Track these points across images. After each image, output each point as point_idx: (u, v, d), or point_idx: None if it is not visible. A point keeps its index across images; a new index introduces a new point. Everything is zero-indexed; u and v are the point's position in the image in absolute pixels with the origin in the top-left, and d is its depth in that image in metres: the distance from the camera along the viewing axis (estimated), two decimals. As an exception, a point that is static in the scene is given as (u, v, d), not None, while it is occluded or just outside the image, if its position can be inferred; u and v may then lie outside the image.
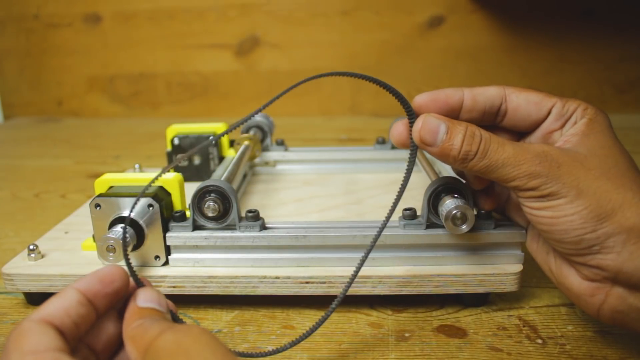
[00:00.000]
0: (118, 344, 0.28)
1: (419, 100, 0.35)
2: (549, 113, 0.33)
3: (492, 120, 0.34)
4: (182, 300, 0.40)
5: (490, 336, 0.36)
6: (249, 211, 0.39)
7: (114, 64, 1.25)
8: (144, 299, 0.27)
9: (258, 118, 0.62)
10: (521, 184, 0.30)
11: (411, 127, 0.33)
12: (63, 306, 0.25)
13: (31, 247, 0.41)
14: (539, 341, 0.35)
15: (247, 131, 0.60)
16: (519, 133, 0.35)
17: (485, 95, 0.33)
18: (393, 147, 0.59)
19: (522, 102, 0.33)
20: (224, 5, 1.18)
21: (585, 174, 0.29)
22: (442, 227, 0.37)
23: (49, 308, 0.25)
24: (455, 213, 0.35)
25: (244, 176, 0.58)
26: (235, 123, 0.32)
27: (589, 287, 0.30)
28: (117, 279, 0.27)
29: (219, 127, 0.58)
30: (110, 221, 0.38)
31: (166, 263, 0.39)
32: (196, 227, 0.39)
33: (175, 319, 0.28)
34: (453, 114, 0.33)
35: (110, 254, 0.36)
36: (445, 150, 0.31)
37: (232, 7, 1.18)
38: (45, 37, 1.25)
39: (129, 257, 0.29)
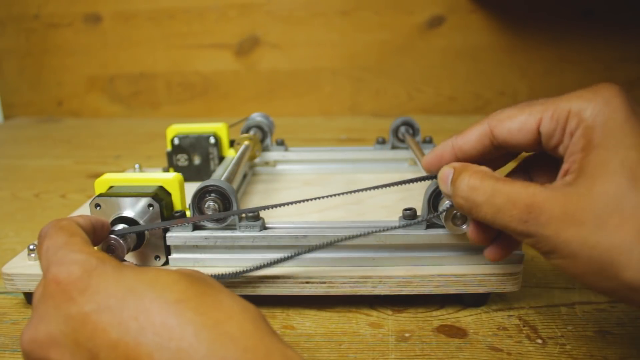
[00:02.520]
0: None
1: (427, 162, 0.35)
2: (539, 133, 0.29)
3: (499, 154, 0.32)
4: (182, 300, 0.40)
5: (490, 336, 0.36)
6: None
7: (114, 64, 1.25)
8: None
9: (258, 118, 0.62)
10: (521, 239, 0.28)
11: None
12: (81, 219, 0.32)
13: (31, 247, 0.41)
14: (539, 341, 0.35)
15: (247, 131, 0.60)
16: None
17: (471, 143, 0.32)
18: (393, 147, 0.59)
19: (506, 135, 0.30)
20: (224, 5, 1.18)
21: (576, 231, 0.25)
22: (442, 227, 0.37)
23: (70, 217, 0.31)
24: (456, 213, 0.35)
25: (244, 176, 0.58)
26: None
27: None
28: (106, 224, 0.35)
29: (219, 127, 0.58)
30: (110, 221, 0.38)
31: (166, 263, 0.39)
32: (196, 227, 0.39)
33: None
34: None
35: (110, 255, 0.36)
36: (456, 206, 0.31)
37: (232, 7, 1.18)
38: (45, 37, 1.25)
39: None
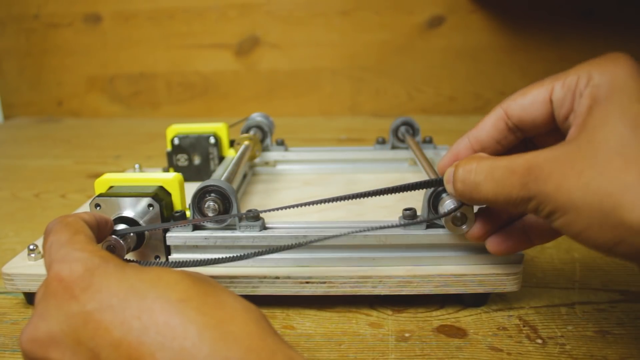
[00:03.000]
0: None
1: (441, 165, 0.35)
2: (551, 103, 0.29)
3: (516, 140, 0.32)
4: (182, 300, 0.40)
5: (490, 336, 0.36)
6: (249, 211, 0.39)
7: (114, 64, 1.25)
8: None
9: (258, 118, 0.62)
10: (523, 208, 0.27)
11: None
12: (87, 215, 0.32)
13: (31, 247, 0.41)
14: (539, 341, 0.35)
15: (247, 131, 0.60)
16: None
17: (486, 129, 0.32)
18: (393, 147, 0.59)
19: (520, 111, 0.30)
20: (224, 5, 1.18)
21: (577, 182, 0.24)
22: (442, 227, 0.37)
23: (76, 214, 0.31)
24: (455, 213, 0.35)
25: (244, 176, 0.58)
26: None
27: None
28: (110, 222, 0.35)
29: (219, 127, 0.58)
30: (110, 221, 0.38)
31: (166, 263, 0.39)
32: (196, 227, 0.39)
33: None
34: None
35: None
36: (457, 193, 0.31)
37: (232, 7, 1.18)
38: (45, 37, 1.25)
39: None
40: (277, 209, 0.35)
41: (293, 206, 0.35)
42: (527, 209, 0.27)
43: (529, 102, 0.30)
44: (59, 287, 0.24)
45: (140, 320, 0.22)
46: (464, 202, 0.33)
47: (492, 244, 0.34)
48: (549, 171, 0.26)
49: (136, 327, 0.22)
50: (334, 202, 0.34)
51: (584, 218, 0.24)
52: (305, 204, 0.35)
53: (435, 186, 0.35)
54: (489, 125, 0.32)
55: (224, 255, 0.34)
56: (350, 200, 0.34)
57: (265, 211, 0.37)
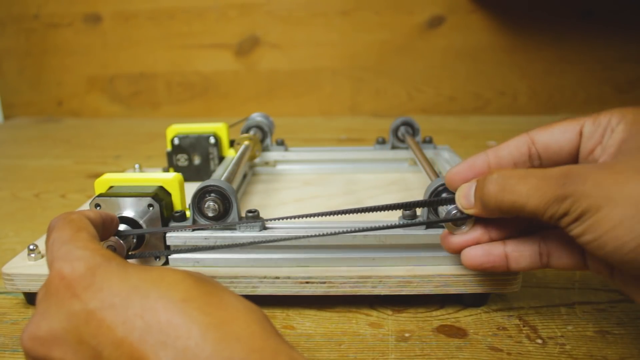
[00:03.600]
0: None
1: (450, 176, 0.34)
2: (580, 135, 0.31)
3: (531, 167, 0.33)
4: (182, 300, 0.40)
5: (490, 336, 0.36)
6: (249, 211, 0.39)
7: (114, 64, 1.25)
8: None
9: (258, 118, 0.62)
10: (553, 212, 0.27)
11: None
12: (91, 213, 0.32)
13: (31, 247, 0.41)
14: (539, 341, 0.35)
15: (247, 131, 0.60)
16: None
17: (509, 148, 0.32)
18: (393, 147, 0.59)
19: (548, 138, 0.31)
20: (224, 5, 1.18)
21: (615, 179, 0.26)
22: (442, 227, 0.37)
23: (81, 211, 0.31)
24: (455, 213, 0.35)
25: (244, 176, 0.58)
26: None
27: None
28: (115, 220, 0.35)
29: (219, 127, 0.58)
30: (110, 221, 0.38)
31: (166, 263, 0.39)
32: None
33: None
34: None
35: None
36: (483, 203, 0.31)
37: (232, 7, 1.18)
38: (45, 37, 1.25)
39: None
40: (281, 219, 0.35)
41: (297, 217, 0.35)
42: (558, 212, 0.27)
43: (559, 131, 0.31)
44: (60, 285, 0.24)
45: (143, 319, 0.22)
46: (468, 215, 0.33)
47: (468, 256, 0.34)
48: (586, 174, 0.27)
49: (139, 326, 0.22)
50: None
51: (617, 212, 0.25)
52: (311, 215, 0.35)
53: (444, 204, 0.34)
54: (512, 146, 0.33)
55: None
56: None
57: (270, 220, 0.36)
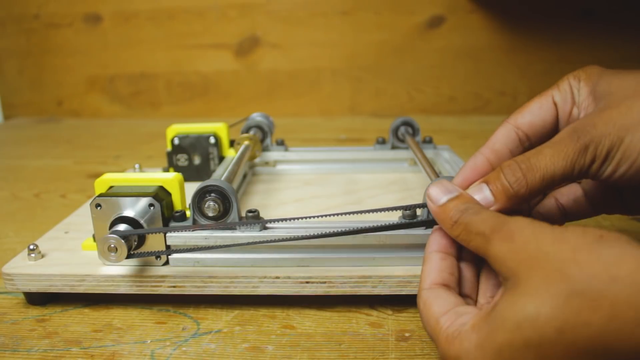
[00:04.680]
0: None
1: (463, 179, 0.34)
2: (555, 104, 0.32)
3: (524, 151, 0.33)
4: (182, 300, 0.40)
5: (490, 336, 0.36)
6: (249, 211, 0.39)
7: (114, 64, 1.25)
8: (437, 194, 0.31)
9: (258, 118, 0.62)
10: (581, 164, 0.28)
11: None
12: (437, 267, 0.30)
13: (31, 247, 0.41)
14: (539, 341, 0.35)
15: (247, 131, 0.60)
16: None
17: (499, 140, 0.33)
18: (393, 147, 0.59)
19: (530, 118, 0.33)
20: (224, 5, 1.18)
21: (618, 111, 0.28)
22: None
23: (429, 276, 0.30)
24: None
25: (244, 176, 0.58)
26: None
27: None
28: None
29: (219, 127, 0.58)
30: (111, 221, 0.38)
31: (166, 263, 0.40)
32: (196, 227, 0.39)
33: None
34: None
35: (112, 254, 0.36)
36: (512, 193, 0.31)
37: (232, 7, 1.18)
38: (46, 37, 1.25)
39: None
40: (283, 220, 0.35)
41: (298, 218, 0.35)
42: (585, 162, 0.28)
43: (536, 108, 0.33)
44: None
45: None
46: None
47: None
48: (591, 121, 0.28)
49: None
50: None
51: (636, 137, 0.27)
52: (311, 217, 0.35)
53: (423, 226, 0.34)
54: (502, 136, 0.33)
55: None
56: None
57: (270, 221, 0.36)
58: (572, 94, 0.32)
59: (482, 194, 0.31)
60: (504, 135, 0.33)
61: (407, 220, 0.38)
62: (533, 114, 0.33)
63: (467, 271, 0.31)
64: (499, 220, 0.27)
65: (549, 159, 0.29)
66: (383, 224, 0.35)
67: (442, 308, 0.28)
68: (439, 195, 0.31)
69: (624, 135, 0.27)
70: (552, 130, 0.33)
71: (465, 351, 0.25)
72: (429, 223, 0.36)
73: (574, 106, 0.32)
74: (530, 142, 0.33)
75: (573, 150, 0.28)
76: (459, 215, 0.29)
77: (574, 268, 0.22)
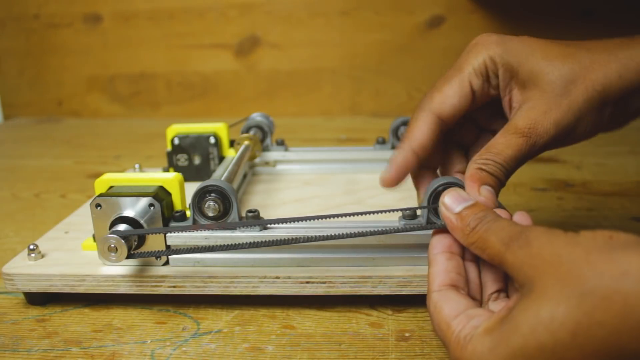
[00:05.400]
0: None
1: (389, 178, 0.36)
2: (472, 88, 0.34)
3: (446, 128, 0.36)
4: (182, 300, 0.40)
5: (490, 336, 0.36)
6: (249, 211, 0.39)
7: (114, 64, 1.25)
8: (452, 202, 0.30)
9: (258, 118, 0.62)
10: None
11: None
12: (444, 269, 0.30)
13: (31, 247, 0.41)
14: (539, 341, 0.35)
15: (247, 131, 0.60)
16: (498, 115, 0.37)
17: (424, 137, 0.34)
18: (393, 147, 0.59)
19: (450, 107, 0.34)
20: (224, 5, 1.18)
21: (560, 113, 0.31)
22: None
23: (438, 278, 0.30)
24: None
25: (244, 176, 0.58)
26: None
27: None
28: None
29: (219, 127, 0.58)
30: (111, 221, 0.38)
31: (167, 263, 0.40)
32: (196, 227, 0.39)
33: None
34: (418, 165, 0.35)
35: (112, 254, 0.36)
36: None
37: (232, 7, 1.18)
38: (45, 37, 1.25)
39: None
40: (283, 221, 0.35)
41: (298, 219, 0.35)
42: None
43: (457, 95, 0.35)
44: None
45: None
46: None
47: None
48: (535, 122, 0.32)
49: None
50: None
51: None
52: (311, 218, 0.35)
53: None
54: (427, 129, 0.34)
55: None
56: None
57: (270, 221, 0.36)
58: (488, 77, 0.34)
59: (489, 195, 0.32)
60: (428, 128, 0.34)
61: (407, 221, 0.38)
62: (453, 102, 0.34)
63: (471, 272, 0.31)
64: (517, 228, 0.27)
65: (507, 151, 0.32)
66: (383, 226, 0.35)
67: (453, 311, 0.28)
68: (455, 203, 0.30)
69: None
70: (466, 111, 0.35)
71: (479, 355, 0.24)
72: (430, 227, 0.36)
73: (490, 88, 0.35)
74: (447, 126, 0.35)
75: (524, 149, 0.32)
76: (476, 223, 0.29)
77: (586, 269, 0.22)
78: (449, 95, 0.34)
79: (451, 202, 0.31)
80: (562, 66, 0.32)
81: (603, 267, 0.22)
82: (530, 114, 0.32)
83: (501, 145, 0.32)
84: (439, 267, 0.31)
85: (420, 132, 0.34)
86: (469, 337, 0.25)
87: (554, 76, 0.32)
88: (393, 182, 0.35)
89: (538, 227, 0.26)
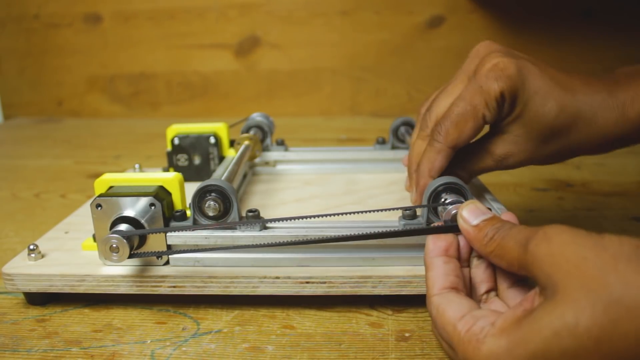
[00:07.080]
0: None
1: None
2: (484, 121, 0.37)
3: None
4: (182, 300, 0.40)
5: (490, 336, 0.36)
6: (250, 211, 0.39)
7: (114, 64, 1.25)
8: (470, 215, 0.31)
9: (258, 118, 0.62)
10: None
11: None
12: (443, 272, 0.30)
13: (31, 247, 0.41)
14: (539, 341, 0.35)
15: (247, 131, 0.60)
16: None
17: (442, 166, 0.38)
18: (393, 147, 0.59)
19: (466, 142, 0.38)
20: (224, 5, 1.18)
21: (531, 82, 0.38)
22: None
23: (437, 281, 0.30)
24: (455, 213, 0.35)
25: (244, 176, 0.58)
26: None
27: None
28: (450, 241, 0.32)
29: (219, 127, 0.58)
30: (111, 221, 0.38)
31: (167, 263, 0.40)
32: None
33: None
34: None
35: (114, 254, 0.36)
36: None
37: (232, 7, 1.18)
38: (46, 37, 1.25)
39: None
40: (283, 220, 0.35)
41: (298, 218, 0.35)
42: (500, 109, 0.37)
43: (472, 131, 0.37)
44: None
45: None
46: None
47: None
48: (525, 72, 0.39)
49: None
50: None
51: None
52: (311, 217, 0.35)
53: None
54: (445, 163, 0.38)
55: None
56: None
57: (270, 220, 0.36)
58: (498, 111, 0.37)
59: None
60: (447, 160, 0.38)
61: (407, 221, 0.38)
62: (469, 136, 0.37)
63: (464, 274, 0.32)
64: (534, 228, 0.27)
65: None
66: (384, 228, 0.35)
67: (457, 313, 0.28)
68: (473, 217, 0.31)
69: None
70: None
71: (495, 356, 0.24)
72: (431, 230, 0.36)
73: (498, 120, 0.38)
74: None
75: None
76: (494, 232, 0.29)
77: (613, 276, 0.22)
78: (465, 133, 0.37)
79: (469, 215, 0.31)
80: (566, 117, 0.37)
81: (631, 277, 0.22)
82: (510, 147, 0.38)
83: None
84: (437, 270, 0.31)
85: (440, 164, 0.38)
86: (481, 337, 0.25)
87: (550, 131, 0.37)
88: (417, 203, 0.39)
89: (558, 224, 0.26)
